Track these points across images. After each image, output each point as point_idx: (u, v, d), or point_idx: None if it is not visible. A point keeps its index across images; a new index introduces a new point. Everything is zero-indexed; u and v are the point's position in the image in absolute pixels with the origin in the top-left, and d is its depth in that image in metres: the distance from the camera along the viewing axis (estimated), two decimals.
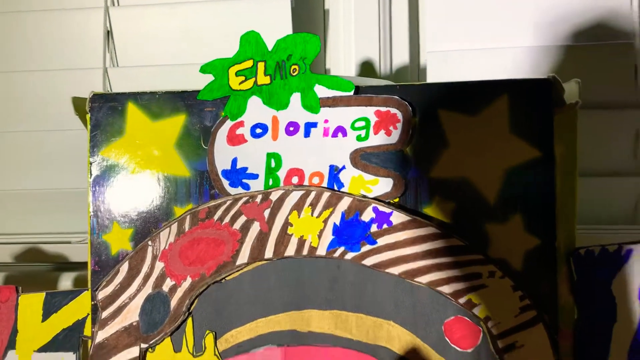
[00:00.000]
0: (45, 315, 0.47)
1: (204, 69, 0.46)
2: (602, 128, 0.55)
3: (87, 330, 0.47)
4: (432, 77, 0.58)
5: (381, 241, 0.43)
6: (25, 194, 0.63)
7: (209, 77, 0.47)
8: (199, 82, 0.48)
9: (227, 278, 0.45)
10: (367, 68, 0.62)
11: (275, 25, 0.60)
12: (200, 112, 0.46)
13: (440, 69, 0.58)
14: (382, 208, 0.43)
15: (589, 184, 0.56)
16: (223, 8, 0.61)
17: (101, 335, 0.45)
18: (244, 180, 0.46)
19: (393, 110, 0.44)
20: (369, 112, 0.44)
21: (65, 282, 0.59)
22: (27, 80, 0.63)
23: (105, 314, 0.45)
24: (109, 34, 0.63)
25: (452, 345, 0.42)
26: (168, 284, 0.45)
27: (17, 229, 0.63)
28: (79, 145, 0.60)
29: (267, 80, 0.46)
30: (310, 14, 0.65)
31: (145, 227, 0.46)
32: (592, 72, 0.55)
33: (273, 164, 0.46)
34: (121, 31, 0.62)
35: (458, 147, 0.44)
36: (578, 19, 0.56)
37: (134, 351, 0.45)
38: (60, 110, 0.62)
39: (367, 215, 0.43)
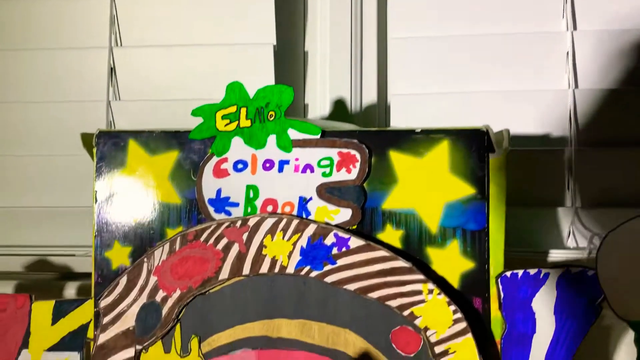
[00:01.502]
0: (54, 320, 0.55)
1: (195, 113, 0.54)
2: (539, 164, 0.64)
3: (90, 333, 0.54)
4: (395, 116, 0.66)
5: (340, 262, 0.51)
6: (35, 211, 0.71)
7: (199, 118, 0.55)
8: (191, 118, 0.55)
9: (210, 291, 0.53)
10: (339, 106, 0.70)
11: (260, 66, 0.68)
12: (190, 149, 0.54)
13: (402, 110, 0.66)
14: (342, 234, 0.51)
15: (527, 213, 0.64)
16: (213, 50, 0.69)
17: (102, 338, 0.53)
18: (227, 208, 0.54)
19: (353, 152, 0.52)
20: (333, 152, 0.52)
21: (70, 290, 0.66)
22: (38, 110, 0.71)
23: (106, 319, 0.53)
24: (112, 70, 0.71)
25: (398, 350, 0.50)
26: (160, 294, 0.53)
27: (28, 241, 0.71)
28: (84, 168, 0.68)
29: (248, 123, 0.54)
30: (291, 55, 0.73)
31: (142, 246, 0.54)
32: (530, 115, 0.64)
33: (251, 195, 0.54)
34: (123, 68, 0.70)
35: (406, 184, 0.52)
36: (520, 66, 0.64)
37: (130, 352, 0.53)
38: (68, 137, 0.69)
39: (329, 239, 0.51)
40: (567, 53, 0.65)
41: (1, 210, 0.72)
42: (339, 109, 0.70)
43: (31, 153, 0.71)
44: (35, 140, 0.71)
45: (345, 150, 0.52)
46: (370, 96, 0.71)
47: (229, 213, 0.54)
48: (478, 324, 0.50)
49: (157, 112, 0.69)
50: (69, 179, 0.70)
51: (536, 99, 0.64)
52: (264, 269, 0.52)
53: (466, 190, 0.51)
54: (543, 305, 0.51)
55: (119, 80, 0.71)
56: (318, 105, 0.71)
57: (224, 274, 0.53)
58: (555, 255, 0.62)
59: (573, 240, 0.63)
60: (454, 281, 0.51)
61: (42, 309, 0.55)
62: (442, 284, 0.50)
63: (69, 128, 0.69)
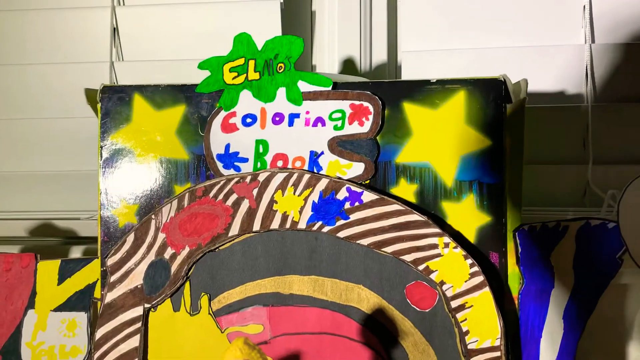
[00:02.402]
0: (61, 280, 0.54)
1: (202, 66, 0.53)
2: (555, 122, 0.62)
3: (97, 293, 0.53)
4: (407, 74, 0.64)
5: (353, 216, 0.50)
6: (39, 175, 0.70)
7: (206, 72, 0.53)
8: (197, 76, 0.54)
9: (220, 248, 0.52)
10: (348, 65, 0.69)
11: (266, 24, 0.67)
12: (198, 103, 0.53)
13: (414, 67, 0.64)
14: (355, 188, 0.50)
15: (543, 171, 0.62)
16: (219, 8, 0.68)
17: (110, 297, 0.52)
18: (236, 163, 0.52)
19: (365, 104, 0.51)
20: (345, 105, 0.51)
21: (75, 254, 0.65)
22: (40, 72, 0.69)
23: (113, 278, 0.52)
24: (115, 30, 0.69)
25: (413, 306, 0.49)
26: (169, 252, 0.52)
27: (32, 206, 0.69)
28: (87, 131, 0.67)
29: (256, 76, 0.52)
30: (298, 15, 0.72)
31: (149, 203, 0.53)
32: (546, 72, 0.62)
33: (261, 150, 0.52)
34: (126, 28, 0.69)
35: (421, 136, 0.50)
36: (534, 21, 0.62)
37: (139, 310, 0.52)
38: (71, 99, 0.68)
39: (342, 194, 0.50)
40: (584, 7, 0.63)
41: (4, 175, 0.70)
42: (348, 69, 0.69)
43: (33, 116, 0.70)
44: (38, 103, 0.70)
45: (357, 102, 0.51)
46: (380, 55, 0.69)
47: (238, 169, 0.52)
48: (495, 279, 0.49)
49: (161, 73, 0.68)
50: (72, 142, 0.69)
51: (552, 55, 0.62)
52: (275, 224, 0.51)
53: (482, 142, 0.50)
54: (562, 259, 0.49)
55: (122, 40, 0.69)
56: (326, 65, 0.69)
57: (234, 230, 0.51)
58: (572, 214, 0.60)
59: (589, 198, 0.62)
60: (470, 236, 0.50)
61: (48, 269, 0.54)
62: (458, 239, 0.49)
63: (72, 90, 0.68)
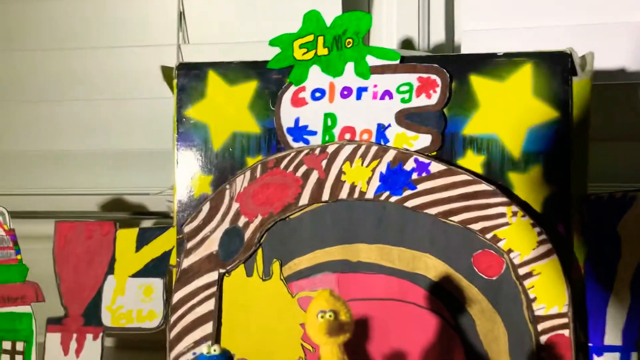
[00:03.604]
0: (138, 247, 0.57)
1: (273, 43, 0.55)
2: (621, 99, 0.62)
3: (172, 260, 0.56)
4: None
5: (420, 187, 0.51)
6: (110, 153, 0.73)
7: (273, 51, 0.55)
8: (262, 56, 0.56)
9: (290, 217, 0.54)
10: (406, 45, 0.70)
11: (327, 4, 0.68)
12: (269, 79, 0.55)
13: (473, 47, 0.65)
14: (422, 159, 0.51)
15: (608, 148, 0.62)
16: None
17: (186, 262, 0.55)
18: (305, 136, 0.54)
19: (433, 77, 0.52)
20: (412, 78, 0.52)
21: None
22: (111, 55, 0.72)
23: (190, 244, 0.55)
24: (181, 14, 0.72)
25: (480, 273, 0.51)
26: (242, 220, 0.54)
27: (103, 183, 0.73)
28: (158, 111, 0.70)
29: (325, 51, 0.54)
30: None
31: (223, 175, 0.55)
32: (612, 51, 0.62)
33: (329, 123, 0.54)
34: (193, 12, 0.72)
35: (487, 108, 0.51)
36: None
37: (214, 275, 0.54)
38: (141, 81, 0.71)
39: (409, 165, 0.52)
40: None
41: (77, 153, 0.74)
42: (406, 49, 0.70)
43: (103, 97, 0.73)
44: (108, 84, 0.73)
45: (425, 76, 0.52)
46: (438, 35, 0.70)
47: (307, 141, 0.54)
48: (561, 249, 0.50)
49: (227, 55, 0.70)
50: (143, 121, 0.72)
51: (617, 33, 0.62)
52: (343, 194, 0.53)
53: (549, 114, 0.51)
54: (629, 229, 0.50)
55: (188, 23, 0.72)
56: (384, 46, 0.71)
57: (304, 199, 0.53)
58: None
59: None
60: (537, 206, 0.50)
61: (127, 237, 0.57)
62: (525, 209, 0.50)
63: (141, 72, 0.71)
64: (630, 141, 0.63)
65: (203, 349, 0.38)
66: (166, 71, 0.57)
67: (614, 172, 0.62)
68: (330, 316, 0.38)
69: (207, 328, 0.53)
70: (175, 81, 0.57)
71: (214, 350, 0.38)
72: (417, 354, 0.51)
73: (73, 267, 0.57)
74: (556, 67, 0.51)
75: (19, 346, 0.57)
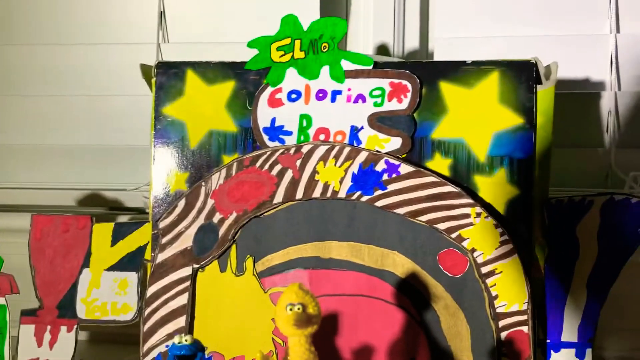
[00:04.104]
0: (114, 241, 0.58)
1: (251, 45, 0.56)
2: (580, 108, 0.65)
3: (147, 255, 0.57)
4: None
5: (391, 187, 0.53)
6: (87, 149, 0.74)
7: (251, 52, 0.57)
8: (240, 57, 0.57)
9: (265, 214, 0.55)
10: (382, 51, 0.72)
11: (305, 9, 0.70)
12: (246, 79, 0.57)
13: (446, 54, 0.68)
14: (393, 160, 0.53)
15: (568, 154, 0.65)
16: None
17: (161, 257, 0.56)
18: (281, 136, 0.56)
19: (404, 82, 0.54)
20: (385, 83, 0.54)
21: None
22: (89, 52, 0.73)
23: (164, 239, 0.56)
24: (162, 14, 0.73)
25: (445, 271, 0.53)
26: (217, 217, 0.55)
27: (80, 179, 0.74)
28: (136, 108, 0.71)
29: (302, 55, 0.56)
30: (335, 1, 0.75)
31: (199, 172, 0.57)
32: (572, 62, 0.65)
33: (305, 124, 0.56)
34: (173, 12, 0.73)
35: (456, 114, 0.54)
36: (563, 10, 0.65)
37: (188, 270, 0.55)
38: (119, 78, 0.72)
39: (380, 166, 0.54)
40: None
41: (55, 148, 0.74)
42: (381, 54, 0.72)
43: (82, 93, 0.74)
44: (86, 81, 0.74)
45: (396, 81, 0.54)
46: (412, 42, 0.72)
47: (282, 141, 0.56)
48: (523, 249, 0.52)
49: (206, 55, 0.71)
50: (118, 118, 0.73)
51: (580, 44, 0.65)
52: (317, 193, 0.55)
53: (514, 120, 0.53)
54: (587, 231, 0.52)
55: (168, 23, 0.73)
56: (361, 51, 0.73)
57: (278, 198, 0.55)
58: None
59: (611, 180, 0.65)
60: (501, 208, 0.53)
61: (103, 231, 0.58)
62: (489, 210, 0.52)
63: (120, 69, 0.72)
64: (590, 147, 0.66)
65: (175, 339, 0.39)
66: (145, 69, 0.58)
67: (574, 177, 0.65)
68: (298, 309, 0.39)
69: (181, 321, 0.55)
70: (154, 79, 0.58)
71: (186, 340, 0.39)
72: (384, 348, 0.53)
73: (49, 260, 0.58)
74: (522, 75, 0.53)
75: None
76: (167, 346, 0.54)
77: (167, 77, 0.57)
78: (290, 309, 0.39)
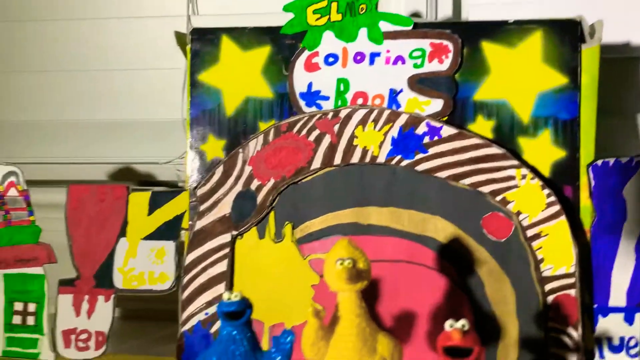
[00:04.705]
0: (151, 210, 0.58)
1: (286, 8, 0.55)
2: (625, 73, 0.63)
3: (184, 223, 0.57)
4: None
5: (432, 150, 0.52)
6: (119, 123, 0.74)
7: (285, 17, 0.56)
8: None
9: (303, 180, 0.55)
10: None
11: None
12: (282, 44, 0.56)
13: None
14: (434, 123, 0.52)
15: (613, 121, 0.63)
16: None
17: (199, 224, 0.55)
18: (318, 101, 0.55)
19: (445, 43, 0.53)
20: (425, 44, 0.53)
21: None
22: (120, 26, 0.73)
23: (203, 206, 0.55)
24: None
25: (489, 235, 0.52)
26: (255, 183, 0.55)
27: (112, 153, 0.73)
28: (166, 82, 0.71)
29: (339, 17, 0.55)
30: None
31: (236, 139, 0.56)
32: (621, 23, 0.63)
33: (342, 88, 0.55)
34: None
35: (498, 74, 0.52)
36: None
37: (226, 237, 0.55)
38: (150, 51, 0.72)
39: (421, 129, 0.53)
40: None
41: (87, 123, 0.75)
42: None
43: (114, 67, 0.74)
44: (117, 55, 0.74)
45: (437, 41, 0.53)
46: (446, 9, 0.71)
47: (319, 106, 0.55)
48: (569, 212, 0.51)
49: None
50: (149, 93, 0.73)
51: (626, 4, 0.63)
52: (355, 158, 0.54)
53: (559, 80, 0.52)
54: (634, 193, 0.51)
55: None
56: None
57: (316, 163, 0.54)
58: None
59: None
60: (545, 170, 0.52)
61: (139, 200, 0.58)
62: (534, 173, 0.51)
63: (150, 42, 0.72)
64: (633, 114, 0.64)
65: (224, 295, 0.39)
66: (180, 37, 0.58)
67: (619, 144, 0.63)
68: (349, 263, 0.39)
69: (220, 289, 0.54)
70: (188, 47, 0.57)
71: (235, 297, 0.38)
72: (425, 314, 0.52)
73: (85, 229, 0.58)
74: (566, 34, 0.52)
75: (31, 307, 0.58)
76: (206, 314, 0.54)
77: (202, 43, 0.57)
78: (341, 264, 0.38)
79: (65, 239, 0.58)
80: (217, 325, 0.53)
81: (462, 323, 0.36)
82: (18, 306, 0.58)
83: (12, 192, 0.58)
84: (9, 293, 0.58)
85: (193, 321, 0.54)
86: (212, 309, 0.54)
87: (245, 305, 0.39)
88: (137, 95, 0.73)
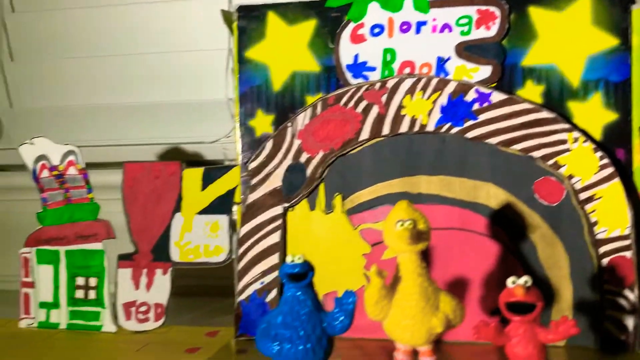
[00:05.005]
0: (204, 186, 0.59)
1: None
2: None
3: (237, 198, 0.58)
4: None
5: (482, 117, 0.52)
6: (164, 105, 0.76)
7: None
8: None
9: (351, 151, 0.55)
10: None
11: None
12: (327, 17, 0.56)
13: None
14: (483, 89, 0.52)
15: None
16: None
17: (251, 198, 0.57)
18: (364, 72, 0.56)
19: (492, 9, 0.53)
20: (472, 10, 0.53)
21: None
22: (162, 9, 0.75)
23: (254, 180, 0.57)
24: None
25: (541, 200, 0.52)
26: (304, 156, 0.56)
27: (159, 134, 0.75)
28: (210, 64, 0.72)
29: None
30: None
31: (284, 113, 0.57)
32: None
33: (388, 58, 0.55)
34: None
35: (546, 39, 0.52)
36: None
37: (278, 209, 0.56)
38: (193, 34, 0.73)
39: (470, 96, 0.53)
40: None
41: (133, 106, 0.76)
42: None
43: (156, 50, 0.75)
44: (165, 37, 0.75)
45: (484, 8, 0.53)
46: None
47: (366, 78, 0.56)
48: (621, 174, 0.50)
49: None
50: (195, 74, 0.74)
51: None
52: (404, 128, 0.54)
53: (609, 41, 0.51)
54: None
55: None
56: None
57: (364, 135, 0.55)
58: None
59: None
60: (596, 134, 0.51)
61: (192, 176, 0.60)
62: (586, 136, 0.51)
63: (194, 25, 0.73)
64: None
65: (287, 258, 0.40)
66: (226, 15, 0.59)
67: None
68: (409, 224, 0.39)
69: (273, 259, 0.56)
70: (235, 24, 0.58)
71: (299, 259, 0.39)
72: (478, 280, 0.53)
73: (141, 206, 0.60)
74: None
75: (92, 282, 0.60)
76: (261, 283, 0.55)
77: (248, 20, 0.58)
78: (401, 225, 0.39)
79: (121, 218, 0.60)
80: (273, 294, 0.55)
81: (525, 279, 0.36)
82: (80, 281, 0.61)
83: (72, 170, 0.60)
84: (71, 268, 0.61)
85: (249, 291, 0.56)
86: (267, 279, 0.55)
87: (308, 267, 0.40)
88: (182, 77, 0.74)
